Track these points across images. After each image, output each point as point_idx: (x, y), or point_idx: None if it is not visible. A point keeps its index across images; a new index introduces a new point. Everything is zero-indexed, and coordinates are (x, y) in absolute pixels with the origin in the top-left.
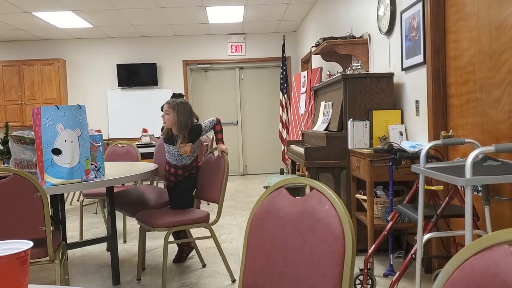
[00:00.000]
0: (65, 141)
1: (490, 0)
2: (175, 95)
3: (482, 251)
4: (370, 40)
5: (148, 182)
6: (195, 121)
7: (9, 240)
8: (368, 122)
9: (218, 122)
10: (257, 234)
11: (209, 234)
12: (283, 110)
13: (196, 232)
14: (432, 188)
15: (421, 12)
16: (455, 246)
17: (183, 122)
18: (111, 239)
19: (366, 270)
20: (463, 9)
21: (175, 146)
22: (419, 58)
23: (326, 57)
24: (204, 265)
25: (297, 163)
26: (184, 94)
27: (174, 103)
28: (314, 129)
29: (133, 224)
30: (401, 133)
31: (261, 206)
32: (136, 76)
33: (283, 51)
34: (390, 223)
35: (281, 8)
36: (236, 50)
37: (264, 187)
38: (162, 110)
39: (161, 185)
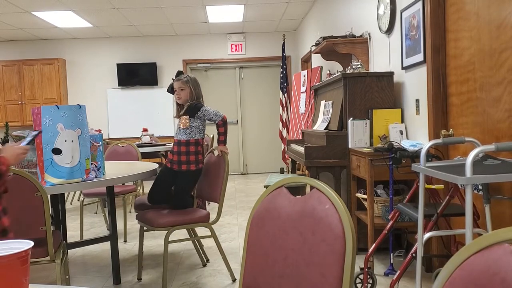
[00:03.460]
0: (65, 140)
1: None
2: (179, 73)
3: (483, 250)
4: (370, 39)
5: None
6: (201, 100)
7: (10, 239)
8: (368, 121)
9: (222, 123)
10: (257, 234)
11: (209, 233)
12: (283, 109)
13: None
14: (433, 187)
15: (421, 11)
16: (455, 245)
17: (197, 96)
18: (111, 239)
19: (366, 269)
20: (463, 8)
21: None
22: (419, 57)
23: (326, 56)
24: (204, 264)
25: (297, 162)
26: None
27: (187, 79)
28: (314, 128)
29: (133, 224)
30: (401, 132)
31: (261, 205)
32: (136, 75)
33: (283, 50)
34: (391, 222)
35: (281, 7)
36: (236, 49)
37: (264, 186)
38: (169, 92)
39: None
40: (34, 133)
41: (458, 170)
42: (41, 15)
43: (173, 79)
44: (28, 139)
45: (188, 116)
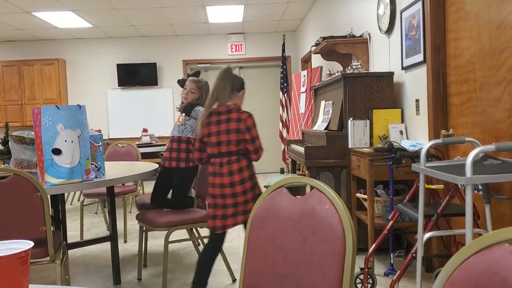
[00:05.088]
0: (65, 141)
1: None
2: (197, 73)
3: (483, 250)
4: (370, 39)
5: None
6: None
7: (10, 240)
8: (368, 121)
9: None
10: (258, 234)
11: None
12: (283, 110)
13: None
14: (433, 187)
15: (421, 11)
16: (455, 245)
17: (201, 101)
18: (111, 239)
19: (366, 269)
20: (463, 8)
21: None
22: (419, 57)
23: (326, 56)
24: None
25: (297, 162)
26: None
27: (202, 84)
28: (314, 128)
29: (133, 224)
30: (401, 132)
31: (261, 205)
32: (136, 76)
33: (283, 51)
34: (391, 222)
35: (281, 7)
36: (236, 49)
37: (264, 187)
38: (180, 85)
39: None
40: None
41: (458, 170)
42: (41, 16)
43: (188, 74)
44: None
45: (184, 114)
